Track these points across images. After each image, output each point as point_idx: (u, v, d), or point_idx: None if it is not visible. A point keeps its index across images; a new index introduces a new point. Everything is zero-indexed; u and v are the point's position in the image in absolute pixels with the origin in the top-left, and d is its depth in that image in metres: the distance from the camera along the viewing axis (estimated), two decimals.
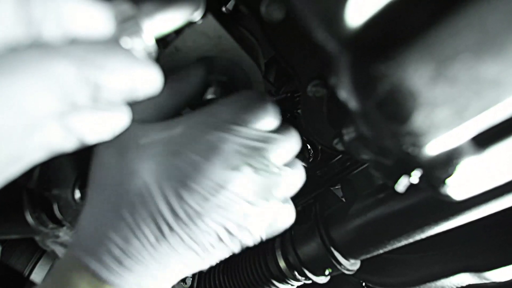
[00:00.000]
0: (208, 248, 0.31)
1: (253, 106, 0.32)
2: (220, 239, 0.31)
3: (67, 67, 0.18)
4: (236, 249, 0.34)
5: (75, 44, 0.19)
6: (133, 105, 0.27)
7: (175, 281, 0.32)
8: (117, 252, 0.29)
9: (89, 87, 0.19)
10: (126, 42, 0.23)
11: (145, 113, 0.32)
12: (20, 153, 0.18)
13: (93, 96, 0.19)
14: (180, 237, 0.29)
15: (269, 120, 0.32)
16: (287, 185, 0.33)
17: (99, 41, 0.20)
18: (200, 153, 0.29)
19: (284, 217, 0.35)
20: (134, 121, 0.31)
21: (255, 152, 0.30)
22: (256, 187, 0.31)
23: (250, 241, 0.34)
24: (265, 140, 0.31)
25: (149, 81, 0.23)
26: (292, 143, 0.33)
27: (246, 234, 0.32)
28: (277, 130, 0.33)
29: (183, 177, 0.29)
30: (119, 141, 0.30)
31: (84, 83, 0.19)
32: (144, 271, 0.30)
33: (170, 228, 0.29)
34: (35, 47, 0.17)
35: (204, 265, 0.33)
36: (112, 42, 0.22)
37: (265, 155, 0.31)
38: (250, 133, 0.31)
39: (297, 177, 0.34)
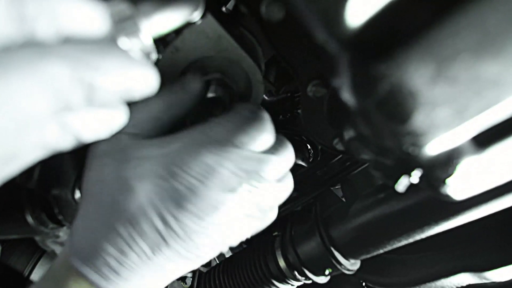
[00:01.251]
0: (203, 256, 0.32)
1: (249, 125, 0.32)
2: (215, 249, 0.33)
3: (61, 68, 0.18)
4: (226, 250, 0.35)
5: (69, 44, 0.19)
6: (130, 117, 0.27)
7: (168, 282, 0.34)
8: (114, 263, 0.29)
9: (83, 88, 0.19)
10: (124, 42, 0.23)
11: (142, 126, 0.32)
12: (15, 152, 0.18)
13: (88, 96, 0.19)
14: (176, 250, 0.30)
15: (265, 139, 0.33)
16: (277, 198, 0.34)
17: (94, 41, 0.20)
18: (196, 176, 0.30)
19: (267, 223, 0.37)
20: (130, 134, 0.31)
21: (250, 174, 0.31)
22: (249, 204, 0.32)
23: (237, 243, 0.35)
24: (261, 161, 0.31)
25: (145, 81, 0.23)
26: (287, 160, 0.34)
27: (238, 240, 0.34)
28: (273, 147, 0.34)
29: (179, 198, 0.29)
30: (115, 155, 0.31)
31: (79, 84, 0.18)
32: (140, 279, 0.31)
33: (167, 243, 0.30)
34: (29, 47, 0.17)
35: (197, 266, 0.34)
36: (108, 42, 0.21)
37: (261, 175, 0.31)
38: (246, 155, 0.31)
39: (287, 190, 0.35)
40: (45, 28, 0.18)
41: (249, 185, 0.31)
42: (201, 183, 0.29)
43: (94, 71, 0.19)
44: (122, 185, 0.30)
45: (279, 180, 0.34)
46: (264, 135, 0.33)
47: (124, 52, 0.22)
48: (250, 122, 0.32)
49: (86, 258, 0.30)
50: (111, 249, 0.29)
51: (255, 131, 0.32)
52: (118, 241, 0.29)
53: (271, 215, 0.36)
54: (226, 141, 0.31)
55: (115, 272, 0.30)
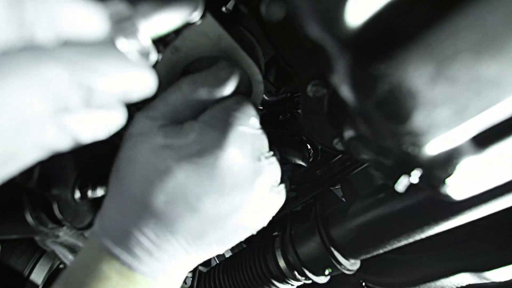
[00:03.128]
0: (235, 241, 0.34)
1: (245, 105, 0.34)
2: (248, 229, 0.35)
3: (59, 71, 0.18)
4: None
5: (68, 47, 0.19)
6: (167, 103, 0.31)
7: (196, 264, 0.35)
8: (148, 245, 0.30)
9: (81, 91, 0.19)
10: (122, 42, 0.23)
11: (181, 112, 0.33)
12: (14, 152, 0.18)
13: (86, 98, 0.19)
14: (215, 236, 0.32)
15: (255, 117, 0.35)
16: (273, 208, 0.37)
17: (93, 43, 0.20)
18: (233, 150, 0.31)
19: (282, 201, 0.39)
20: (165, 119, 0.32)
21: (260, 149, 0.34)
22: (270, 174, 0.34)
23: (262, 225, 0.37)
24: (262, 137, 0.35)
25: (143, 83, 0.23)
26: (277, 170, 0.36)
27: (265, 221, 0.36)
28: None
29: (223, 174, 0.31)
30: (150, 138, 0.31)
31: (77, 86, 0.19)
32: (172, 259, 0.32)
33: (204, 226, 0.31)
34: (28, 50, 0.17)
35: (228, 248, 0.36)
36: (106, 44, 0.21)
37: (265, 151, 0.35)
38: (255, 132, 0.34)
39: (280, 201, 0.37)
40: (44, 31, 0.18)
41: (265, 156, 0.34)
42: (239, 154, 0.31)
43: (92, 73, 0.19)
44: (157, 165, 0.30)
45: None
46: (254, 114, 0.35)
47: (122, 54, 0.22)
48: (244, 102, 0.35)
49: (118, 239, 0.31)
50: (145, 230, 0.30)
51: (251, 109, 0.35)
52: (152, 222, 0.30)
53: (279, 197, 0.38)
54: (244, 116, 0.33)
55: (148, 253, 0.31)
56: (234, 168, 0.31)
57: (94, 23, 0.20)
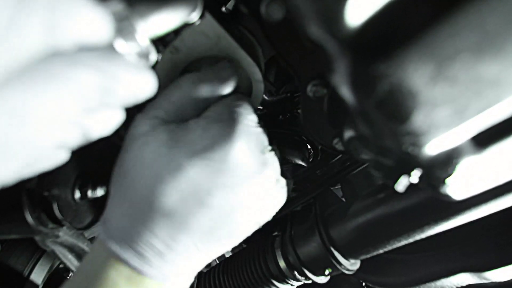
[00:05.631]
0: (244, 235, 0.34)
1: (245, 102, 0.35)
2: (256, 222, 0.35)
3: (88, 77, 0.19)
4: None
5: (89, 52, 0.20)
6: (169, 101, 0.32)
7: (207, 262, 0.34)
8: (160, 246, 0.30)
9: (101, 93, 0.20)
10: (121, 43, 0.23)
11: (184, 110, 0.33)
12: (39, 154, 0.20)
13: (103, 100, 0.21)
14: (226, 231, 0.32)
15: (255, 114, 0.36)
16: (278, 201, 0.37)
17: (103, 47, 0.21)
18: (241, 146, 0.31)
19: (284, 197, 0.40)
20: (168, 117, 0.33)
21: (263, 146, 0.34)
22: (273, 168, 0.35)
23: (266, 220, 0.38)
24: (263, 133, 0.35)
25: (145, 85, 0.23)
26: (278, 165, 0.37)
27: (269, 216, 0.37)
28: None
29: (233, 168, 0.31)
30: (157, 136, 0.31)
31: (99, 90, 0.20)
32: (184, 259, 0.31)
33: (216, 222, 0.31)
34: (58, 57, 0.18)
35: (235, 244, 0.35)
36: (112, 48, 0.22)
37: (268, 146, 0.35)
38: (257, 129, 0.34)
39: (284, 195, 0.38)
40: (65, 36, 0.18)
41: (268, 151, 0.35)
42: (246, 148, 0.31)
43: (112, 78, 0.20)
44: (167, 163, 0.30)
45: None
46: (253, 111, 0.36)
47: (128, 59, 0.23)
48: (244, 99, 0.35)
49: (126, 244, 0.29)
50: (157, 231, 0.29)
51: (249, 106, 0.35)
52: (164, 222, 0.29)
53: (283, 191, 0.38)
54: (246, 112, 0.33)
55: (160, 255, 0.30)
56: (243, 161, 0.31)
57: (101, 26, 0.21)
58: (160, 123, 0.32)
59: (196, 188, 0.30)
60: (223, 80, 0.34)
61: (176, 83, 0.34)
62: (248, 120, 0.33)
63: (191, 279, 0.34)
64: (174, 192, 0.29)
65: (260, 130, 0.34)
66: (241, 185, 0.31)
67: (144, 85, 0.23)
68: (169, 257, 0.30)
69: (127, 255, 0.29)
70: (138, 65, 0.23)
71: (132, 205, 0.30)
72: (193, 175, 0.29)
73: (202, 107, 0.34)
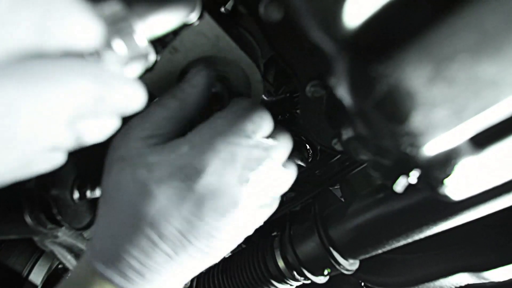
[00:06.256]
0: (223, 250, 0.34)
1: (252, 113, 0.33)
2: (235, 241, 0.34)
3: (87, 84, 0.19)
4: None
5: (75, 58, 0.19)
6: (146, 121, 0.31)
7: (188, 279, 0.35)
8: (138, 266, 0.31)
9: (95, 101, 0.20)
10: (119, 44, 0.23)
11: (159, 128, 0.33)
12: (31, 158, 0.19)
13: (97, 107, 0.21)
14: (199, 248, 0.31)
15: (268, 125, 0.34)
16: (285, 184, 0.36)
17: (89, 53, 0.21)
18: (213, 173, 0.30)
19: (272, 211, 0.38)
20: (146, 138, 0.32)
21: (260, 162, 0.32)
22: (262, 193, 0.33)
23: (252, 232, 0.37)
24: (268, 148, 0.33)
25: (136, 99, 0.23)
26: (288, 145, 0.36)
27: (253, 229, 0.36)
28: (274, 134, 0.35)
29: (200, 199, 0.30)
30: (132, 160, 0.31)
31: (95, 97, 0.20)
32: (163, 279, 0.32)
33: (190, 242, 0.31)
34: (60, 59, 0.18)
35: (217, 260, 0.35)
36: (98, 58, 0.22)
37: (270, 162, 0.33)
38: (255, 144, 0.32)
39: (292, 175, 0.37)
40: (55, 42, 0.18)
41: (260, 172, 0.32)
42: (218, 179, 0.30)
43: (108, 87, 0.20)
44: (140, 189, 0.30)
45: (284, 166, 0.35)
46: (267, 121, 0.34)
47: (114, 69, 0.22)
48: (252, 110, 0.33)
49: (109, 262, 0.31)
50: (134, 252, 0.30)
51: (259, 118, 0.33)
52: (140, 244, 0.30)
53: (277, 202, 0.38)
54: (234, 132, 0.32)
55: (139, 274, 0.31)
56: (213, 193, 0.30)
57: (92, 32, 0.20)
58: (140, 144, 0.32)
59: (167, 214, 0.30)
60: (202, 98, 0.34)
61: (157, 100, 0.34)
62: (236, 140, 0.31)
63: None
64: (147, 217, 0.30)
65: (255, 142, 0.32)
66: (212, 216, 0.31)
67: (132, 97, 0.23)
68: (148, 276, 0.31)
69: (110, 273, 0.31)
70: (125, 77, 0.23)
71: (112, 226, 0.31)
72: (163, 201, 0.30)
73: (187, 124, 0.34)
